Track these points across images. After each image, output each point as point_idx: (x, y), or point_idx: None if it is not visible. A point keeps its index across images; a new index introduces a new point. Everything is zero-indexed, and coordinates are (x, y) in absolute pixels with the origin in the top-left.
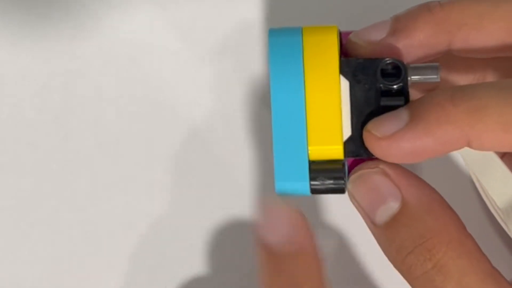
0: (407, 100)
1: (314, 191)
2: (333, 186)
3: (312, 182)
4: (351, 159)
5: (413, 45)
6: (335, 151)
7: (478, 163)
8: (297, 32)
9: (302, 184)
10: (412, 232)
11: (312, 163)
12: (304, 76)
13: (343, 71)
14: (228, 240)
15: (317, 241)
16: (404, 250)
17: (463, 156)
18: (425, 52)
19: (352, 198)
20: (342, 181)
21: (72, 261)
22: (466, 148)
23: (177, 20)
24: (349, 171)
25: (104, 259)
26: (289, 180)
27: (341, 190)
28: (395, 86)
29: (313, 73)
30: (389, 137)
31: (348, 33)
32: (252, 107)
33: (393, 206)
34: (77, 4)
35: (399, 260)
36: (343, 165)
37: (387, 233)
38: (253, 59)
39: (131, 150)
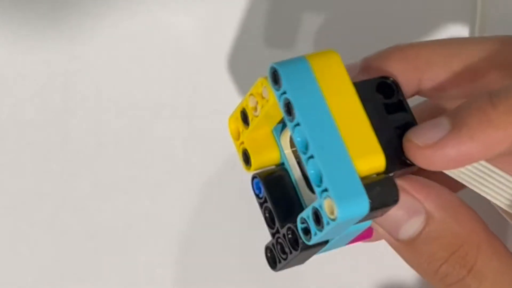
0: (410, 112)
1: (373, 209)
2: (388, 197)
3: (370, 200)
4: None
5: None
6: (379, 163)
7: (471, 177)
8: (303, 60)
9: (363, 203)
10: (442, 242)
11: (363, 179)
12: (325, 99)
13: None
14: (228, 240)
15: None
16: (436, 261)
17: (455, 176)
18: None
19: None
20: (396, 190)
21: (72, 261)
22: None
23: (177, 20)
24: None
25: (104, 259)
26: (350, 203)
27: (396, 201)
28: (394, 101)
29: (332, 95)
30: (433, 146)
31: None
32: None
33: (417, 221)
34: (77, 4)
35: (432, 271)
36: (389, 175)
37: (414, 248)
38: (254, 60)
39: (131, 150)
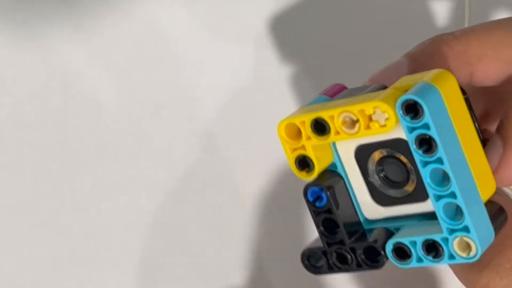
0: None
1: (496, 231)
2: (502, 223)
3: (496, 225)
4: None
5: None
6: (494, 189)
7: None
8: (435, 90)
9: (491, 237)
10: None
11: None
12: (456, 131)
13: None
14: (228, 240)
15: None
16: (479, 264)
17: None
18: None
19: None
20: (506, 215)
21: (72, 261)
22: None
23: (177, 20)
24: None
25: (104, 259)
26: (485, 241)
27: (506, 220)
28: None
29: (458, 124)
30: (499, 167)
31: (341, 87)
32: (249, 112)
33: None
34: (77, 4)
35: (474, 279)
36: (495, 201)
37: None
38: (254, 60)
39: (131, 150)
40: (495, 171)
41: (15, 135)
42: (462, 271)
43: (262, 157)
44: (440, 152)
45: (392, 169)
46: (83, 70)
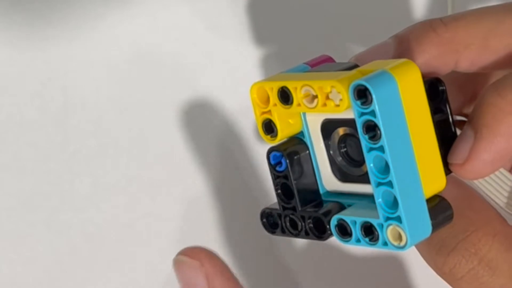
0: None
1: (434, 229)
2: (445, 220)
3: (434, 221)
4: None
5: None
6: (442, 186)
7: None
8: (391, 78)
9: (426, 227)
10: (454, 227)
11: (427, 202)
12: (407, 122)
13: None
14: (228, 239)
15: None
16: (445, 249)
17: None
18: (430, 72)
19: None
20: (452, 212)
21: (72, 261)
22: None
23: (177, 20)
24: None
25: (104, 259)
26: (419, 234)
27: (446, 223)
28: (436, 105)
29: (411, 116)
30: (469, 159)
31: (326, 58)
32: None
33: None
34: (77, 5)
35: (441, 262)
36: (441, 197)
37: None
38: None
39: (131, 150)
40: (465, 163)
41: (15, 135)
42: (429, 254)
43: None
44: (383, 141)
45: (351, 147)
46: (83, 70)
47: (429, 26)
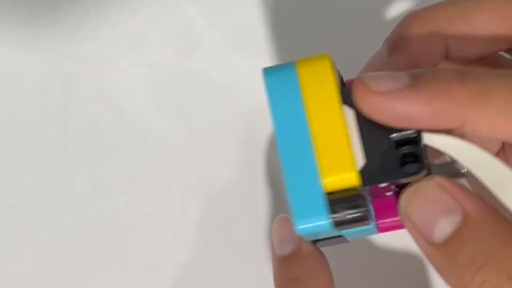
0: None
1: (337, 224)
2: (354, 215)
3: (333, 215)
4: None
5: (410, 59)
6: (349, 179)
7: (494, 180)
8: (291, 67)
9: (322, 219)
10: (481, 244)
11: (329, 194)
12: (306, 110)
13: (346, 101)
14: (228, 239)
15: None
16: (473, 265)
17: (479, 175)
18: (423, 61)
19: (405, 216)
20: (362, 208)
21: (72, 261)
22: (483, 166)
23: (177, 20)
24: (372, 200)
25: (104, 259)
26: (308, 217)
27: (363, 218)
28: None
29: (314, 105)
30: (385, 94)
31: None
32: (247, 116)
33: (454, 219)
34: (77, 5)
35: (468, 277)
36: (360, 191)
37: (449, 251)
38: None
39: (131, 150)
40: (382, 95)
41: (15, 135)
42: (454, 270)
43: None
44: (273, 125)
45: None
46: (83, 70)
47: (410, 16)
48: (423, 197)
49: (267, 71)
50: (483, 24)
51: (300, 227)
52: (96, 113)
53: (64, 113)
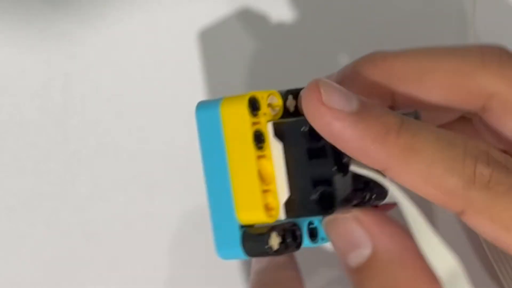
0: (336, 160)
1: (249, 254)
2: (260, 248)
3: (244, 247)
4: None
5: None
6: (259, 216)
7: (408, 217)
8: (217, 105)
9: (237, 250)
10: (381, 283)
11: (248, 227)
12: (226, 148)
13: (276, 134)
14: None
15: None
16: None
17: (404, 212)
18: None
19: (328, 237)
20: (267, 245)
21: (72, 261)
22: (411, 209)
23: (177, 20)
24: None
25: (104, 259)
26: (225, 248)
27: (267, 253)
28: (320, 145)
29: (232, 145)
30: (330, 109)
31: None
32: None
33: (364, 253)
34: (77, 4)
35: None
36: (269, 228)
37: (358, 278)
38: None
39: (131, 150)
40: (328, 110)
41: (15, 135)
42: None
43: None
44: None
45: None
46: (83, 70)
47: (369, 58)
48: (338, 228)
49: (199, 106)
50: (435, 89)
51: (221, 255)
52: (96, 113)
53: (64, 113)
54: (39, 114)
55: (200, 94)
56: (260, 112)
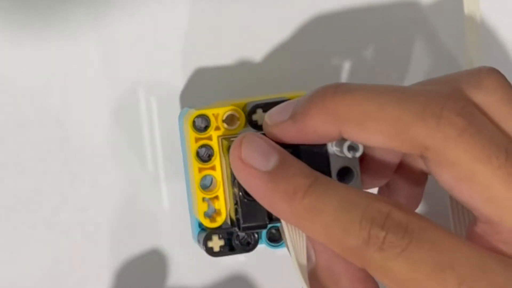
0: None
1: (205, 251)
2: (205, 249)
3: (200, 244)
4: None
5: (307, 131)
6: (202, 220)
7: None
8: (181, 117)
9: (198, 245)
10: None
11: (202, 227)
12: (187, 157)
13: (224, 149)
14: None
15: None
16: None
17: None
18: (318, 138)
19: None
20: (206, 247)
21: (72, 261)
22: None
23: (178, 20)
24: None
25: (104, 258)
26: (194, 239)
27: (212, 253)
28: None
29: (188, 155)
30: (248, 166)
31: None
32: None
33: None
34: (77, 5)
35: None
36: (210, 231)
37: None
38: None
39: (130, 150)
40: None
41: (15, 135)
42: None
43: None
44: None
45: None
46: (83, 70)
47: (321, 93)
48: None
49: (179, 114)
50: (376, 135)
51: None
52: (96, 113)
53: (64, 113)
54: (39, 114)
55: (201, 93)
56: (210, 128)
